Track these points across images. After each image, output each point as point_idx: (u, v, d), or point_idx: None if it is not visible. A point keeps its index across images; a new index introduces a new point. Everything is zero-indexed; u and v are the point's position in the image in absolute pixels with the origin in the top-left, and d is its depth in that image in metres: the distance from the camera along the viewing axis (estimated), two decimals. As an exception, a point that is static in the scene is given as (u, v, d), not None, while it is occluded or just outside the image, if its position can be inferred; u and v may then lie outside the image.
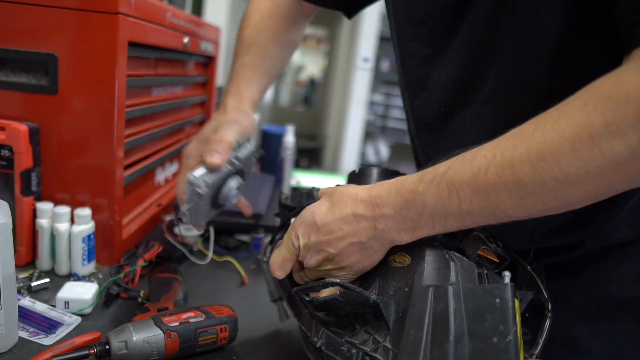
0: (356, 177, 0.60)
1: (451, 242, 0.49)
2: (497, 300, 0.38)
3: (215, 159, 0.66)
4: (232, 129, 0.70)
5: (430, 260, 0.45)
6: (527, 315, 0.48)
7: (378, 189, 0.47)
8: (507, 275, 0.42)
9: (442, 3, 0.56)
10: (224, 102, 0.78)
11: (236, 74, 0.80)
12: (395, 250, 0.48)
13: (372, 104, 4.08)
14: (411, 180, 0.46)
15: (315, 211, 0.50)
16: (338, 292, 0.45)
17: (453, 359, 0.37)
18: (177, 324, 0.55)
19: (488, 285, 0.41)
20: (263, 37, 0.82)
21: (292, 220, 0.54)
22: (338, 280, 0.44)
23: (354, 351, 0.43)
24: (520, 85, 0.52)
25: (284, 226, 0.65)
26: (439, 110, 0.60)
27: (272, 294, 0.64)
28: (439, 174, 0.44)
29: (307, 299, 0.48)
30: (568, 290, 0.59)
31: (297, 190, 0.68)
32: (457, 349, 0.37)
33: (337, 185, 0.52)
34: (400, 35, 0.65)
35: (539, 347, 0.41)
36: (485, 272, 0.46)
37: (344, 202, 0.48)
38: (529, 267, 0.47)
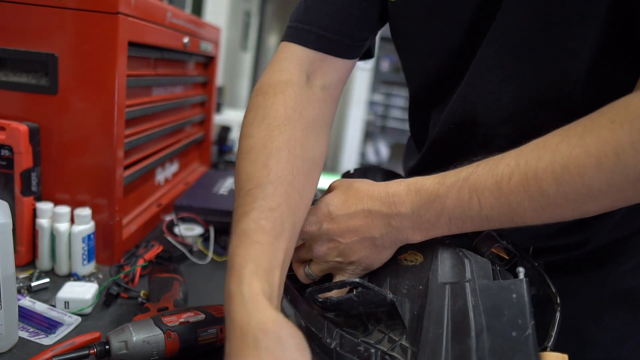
0: (351, 178, 0.60)
1: (454, 240, 0.49)
2: (514, 296, 0.39)
3: None
4: None
5: (444, 258, 0.45)
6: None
7: (395, 187, 0.47)
8: (521, 271, 0.43)
9: (460, 32, 0.55)
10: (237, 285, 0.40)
11: (248, 239, 0.43)
12: (406, 249, 0.49)
13: (372, 104, 4.08)
14: (431, 182, 0.46)
15: (330, 202, 0.49)
16: (354, 292, 0.45)
17: (475, 354, 0.38)
18: (177, 324, 0.55)
19: (504, 281, 0.42)
20: (277, 174, 0.48)
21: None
22: (358, 280, 0.44)
23: (372, 350, 0.43)
24: (547, 107, 0.51)
25: None
26: (449, 128, 0.59)
27: None
28: (461, 178, 0.44)
29: (320, 299, 0.47)
30: (570, 288, 0.59)
31: None
32: (477, 344, 0.38)
33: (354, 179, 0.52)
34: (423, 65, 0.61)
35: (552, 339, 0.41)
36: (498, 268, 0.46)
37: (360, 197, 0.48)
38: (536, 263, 0.47)
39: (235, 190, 0.49)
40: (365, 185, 0.49)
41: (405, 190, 0.46)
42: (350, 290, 0.49)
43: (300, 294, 0.54)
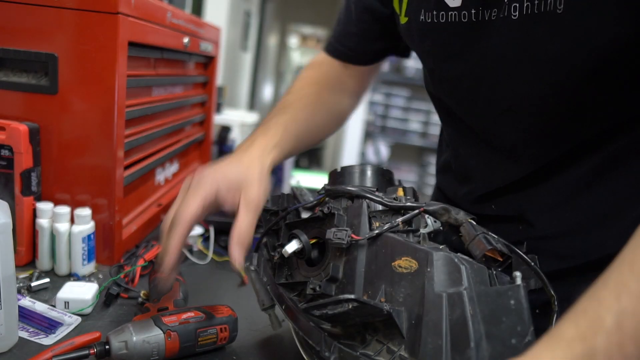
0: (339, 177, 0.59)
1: (447, 243, 0.49)
2: (512, 302, 0.39)
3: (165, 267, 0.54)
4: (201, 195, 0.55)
5: (439, 265, 0.43)
6: None
7: None
8: (518, 275, 0.42)
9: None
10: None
11: (261, 127, 0.68)
12: (400, 255, 0.47)
13: (372, 104, 4.08)
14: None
15: None
16: (350, 306, 0.44)
17: None
18: (177, 324, 0.55)
19: (501, 287, 0.41)
20: (302, 102, 0.75)
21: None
22: (353, 296, 0.43)
23: None
24: (547, 99, 0.53)
25: (269, 232, 0.63)
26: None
27: (262, 302, 0.63)
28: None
29: (316, 313, 0.47)
30: (579, 293, 0.60)
31: (278, 195, 0.66)
32: (477, 354, 0.37)
33: None
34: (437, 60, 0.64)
35: None
36: (494, 272, 0.45)
37: None
38: (532, 263, 0.47)
39: (272, 110, 0.72)
40: None
41: None
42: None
43: (296, 304, 0.54)
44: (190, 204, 0.54)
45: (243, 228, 0.54)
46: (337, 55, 0.81)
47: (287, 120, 0.69)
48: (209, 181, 0.56)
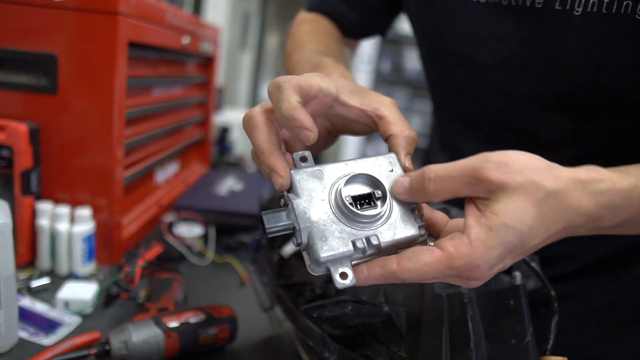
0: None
1: None
2: (512, 302, 0.39)
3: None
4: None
5: None
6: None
7: (611, 196, 0.35)
8: (517, 275, 0.42)
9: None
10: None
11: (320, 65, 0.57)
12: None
13: (372, 104, 4.07)
14: None
15: (519, 227, 0.33)
16: (349, 307, 0.44)
17: None
18: (177, 324, 0.55)
19: (501, 288, 0.41)
20: (333, 50, 0.66)
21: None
22: (350, 298, 0.43)
23: None
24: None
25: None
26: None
27: (262, 304, 0.63)
28: None
29: (315, 314, 0.47)
30: (579, 292, 0.61)
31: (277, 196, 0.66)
32: (477, 354, 0.37)
33: (532, 168, 0.34)
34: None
35: (551, 342, 0.41)
36: None
37: (562, 213, 0.34)
38: (532, 264, 0.47)
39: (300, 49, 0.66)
40: (572, 194, 0.34)
41: (625, 202, 0.36)
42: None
43: (295, 305, 0.53)
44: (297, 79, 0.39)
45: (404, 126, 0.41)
46: (344, 25, 0.74)
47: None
48: (323, 77, 0.41)
